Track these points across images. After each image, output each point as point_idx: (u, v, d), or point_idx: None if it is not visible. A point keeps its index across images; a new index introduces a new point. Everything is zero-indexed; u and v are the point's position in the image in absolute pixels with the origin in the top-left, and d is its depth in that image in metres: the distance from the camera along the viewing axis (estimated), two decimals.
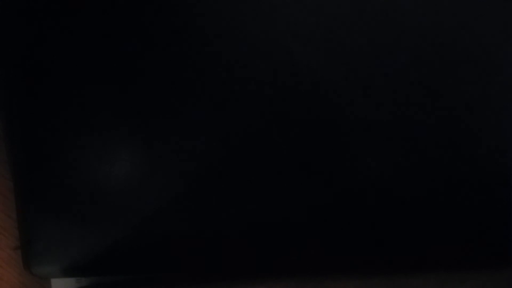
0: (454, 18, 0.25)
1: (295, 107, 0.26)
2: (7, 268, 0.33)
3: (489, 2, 0.25)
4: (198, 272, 0.30)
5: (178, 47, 0.26)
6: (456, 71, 0.25)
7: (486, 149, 0.26)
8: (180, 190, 0.27)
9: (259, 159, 0.27)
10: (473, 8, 0.25)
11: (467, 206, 0.26)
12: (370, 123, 0.26)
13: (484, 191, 0.26)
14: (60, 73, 0.27)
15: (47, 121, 0.27)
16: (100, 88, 0.27)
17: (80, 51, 0.27)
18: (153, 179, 0.27)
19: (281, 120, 0.26)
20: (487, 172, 0.26)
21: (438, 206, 0.26)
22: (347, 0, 0.25)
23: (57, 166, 0.27)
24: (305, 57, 0.26)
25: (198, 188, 0.27)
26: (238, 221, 0.27)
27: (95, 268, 0.29)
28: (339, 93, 0.26)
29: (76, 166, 0.27)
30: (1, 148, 0.31)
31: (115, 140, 0.27)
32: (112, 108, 0.27)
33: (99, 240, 0.28)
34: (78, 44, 0.26)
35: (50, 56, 0.27)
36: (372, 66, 0.26)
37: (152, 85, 0.26)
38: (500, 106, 0.25)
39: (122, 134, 0.27)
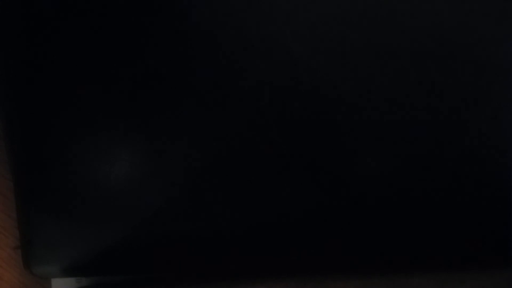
0: (455, 18, 0.25)
1: (296, 107, 0.26)
2: (7, 268, 0.33)
3: (489, 2, 0.25)
4: (198, 272, 0.30)
5: (178, 47, 0.26)
6: (457, 71, 0.25)
7: (486, 149, 0.26)
8: (180, 190, 0.27)
9: (259, 159, 0.27)
10: (473, 8, 0.25)
11: (467, 206, 0.26)
12: (370, 123, 0.26)
13: (484, 191, 0.26)
14: (60, 73, 0.27)
15: (47, 121, 0.27)
16: (100, 88, 0.27)
17: (80, 51, 0.26)
18: (153, 179, 0.27)
19: (281, 120, 0.26)
20: (487, 172, 0.26)
21: (438, 206, 0.26)
22: (347, 0, 0.25)
23: (57, 166, 0.27)
24: (306, 56, 0.26)
25: (198, 188, 0.27)
26: (238, 221, 0.27)
27: (95, 268, 0.29)
28: (339, 93, 0.26)
29: (76, 166, 0.27)
30: (1, 148, 0.31)
31: (115, 140, 0.27)
32: (112, 108, 0.27)
33: (99, 240, 0.28)
34: (78, 44, 0.26)
35: (50, 56, 0.27)
36: (372, 66, 0.26)
37: (152, 85, 0.26)
38: (501, 106, 0.25)
39: (122, 134, 0.27)
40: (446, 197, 0.26)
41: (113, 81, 0.27)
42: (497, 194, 0.26)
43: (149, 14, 0.26)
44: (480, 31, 0.25)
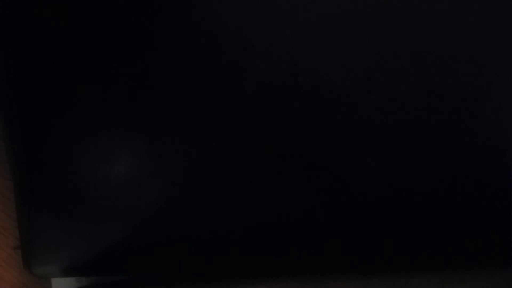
0: (455, 18, 0.25)
1: (296, 107, 0.26)
2: (7, 268, 0.33)
3: (489, 2, 0.25)
4: (198, 272, 0.30)
5: (177, 46, 0.26)
6: (457, 71, 0.25)
7: (486, 149, 0.26)
8: (180, 190, 0.27)
9: (259, 159, 0.27)
10: (473, 8, 0.25)
11: (467, 206, 0.26)
12: (370, 123, 0.26)
13: (484, 191, 0.26)
14: (60, 73, 0.27)
15: (47, 121, 0.27)
16: (101, 88, 0.27)
17: (80, 51, 0.26)
18: (153, 179, 0.27)
19: (281, 120, 0.26)
20: (487, 172, 0.26)
21: (438, 206, 0.26)
22: (347, 0, 0.25)
23: (57, 166, 0.27)
24: (306, 56, 0.26)
25: (198, 188, 0.27)
26: (238, 221, 0.27)
27: (95, 268, 0.29)
28: (339, 93, 0.26)
29: (76, 166, 0.27)
30: (1, 148, 0.31)
31: (115, 140, 0.27)
32: (112, 108, 0.27)
33: (99, 240, 0.28)
34: (78, 44, 0.26)
35: (50, 56, 0.27)
36: (372, 66, 0.26)
37: (152, 85, 0.26)
38: (501, 106, 0.25)
39: (122, 135, 0.27)
40: (446, 197, 0.26)
41: (113, 81, 0.27)
42: (497, 194, 0.26)
43: (149, 14, 0.26)
44: (480, 31, 0.25)
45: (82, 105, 0.27)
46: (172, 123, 0.27)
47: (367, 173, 0.26)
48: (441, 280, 0.27)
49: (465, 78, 0.25)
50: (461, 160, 0.26)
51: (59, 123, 0.27)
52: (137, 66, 0.26)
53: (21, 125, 0.27)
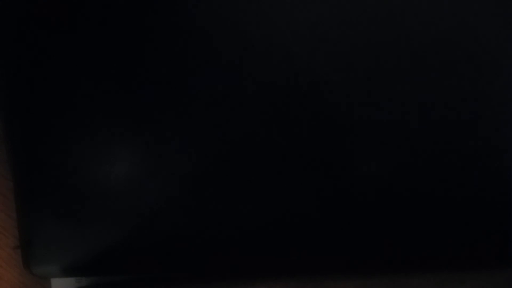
0: (455, 18, 0.25)
1: (296, 107, 0.26)
2: (7, 268, 0.33)
3: (489, 2, 0.25)
4: (198, 272, 0.30)
5: (177, 46, 0.26)
6: (457, 71, 0.25)
7: (486, 149, 0.26)
8: (180, 190, 0.27)
9: (259, 159, 0.27)
10: (474, 8, 0.25)
11: (467, 206, 0.26)
12: (369, 123, 0.26)
13: (484, 191, 0.26)
14: (60, 73, 0.27)
15: (47, 121, 0.27)
16: (101, 88, 0.27)
17: (80, 51, 0.26)
18: (153, 179, 0.27)
19: (280, 120, 0.26)
20: (487, 172, 0.26)
21: (438, 206, 0.26)
22: (348, 0, 0.25)
23: (57, 166, 0.27)
24: (306, 56, 0.26)
25: (198, 188, 0.27)
26: (239, 221, 0.27)
27: (95, 268, 0.29)
28: (339, 93, 0.26)
29: (76, 166, 0.27)
30: (1, 148, 0.31)
31: (115, 140, 0.27)
32: (112, 109, 0.27)
33: (99, 240, 0.28)
34: (79, 44, 0.26)
35: (50, 56, 0.27)
36: (372, 66, 0.26)
37: (152, 86, 0.26)
38: (501, 106, 0.25)
39: (122, 134, 0.27)
40: (446, 197, 0.26)
41: (113, 81, 0.27)
42: (497, 194, 0.26)
43: (150, 14, 0.26)
44: (480, 31, 0.25)
45: (82, 105, 0.27)
46: (172, 123, 0.27)
47: (367, 173, 0.26)
48: (441, 280, 0.27)
49: (465, 78, 0.25)
50: (461, 160, 0.26)
51: (59, 123, 0.27)
52: (137, 66, 0.26)
53: (21, 125, 0.27)
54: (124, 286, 0.31)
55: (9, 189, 0.32)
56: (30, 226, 0.28)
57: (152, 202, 0.27)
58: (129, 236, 0.28)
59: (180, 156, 0.27)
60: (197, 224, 0.27)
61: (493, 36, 0.25)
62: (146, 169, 0.27)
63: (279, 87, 0.26)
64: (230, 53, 0.26)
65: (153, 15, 0.26)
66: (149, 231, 0.28)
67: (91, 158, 0.27)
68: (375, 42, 0.25)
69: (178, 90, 0.26)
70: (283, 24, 0.26)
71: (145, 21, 0.26)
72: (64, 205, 0.28)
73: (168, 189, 0.27)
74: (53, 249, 0.28)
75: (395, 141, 0.26)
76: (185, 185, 0.27)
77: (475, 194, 0.26)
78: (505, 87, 0.25)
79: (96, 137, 0.27)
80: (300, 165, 0.26)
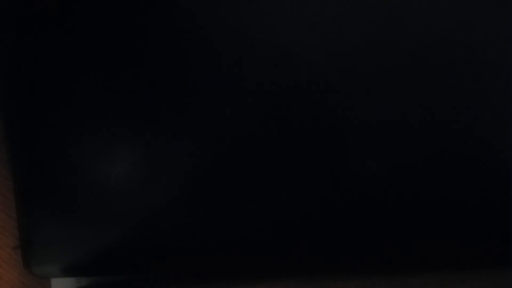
0: (455, 18, 0.25)
1: (296, 108, 0.26)
2: (7, 268, 0.33)
3: (489, 2, 0.25)
4: (198, 272, 0.30)
5: (177, 46, 0.26)
6: (457, 71, 0.25)
7: (486, 149, 0.26)
8: (180, 190, 0.27)
9: (260, 159, 0.27)
10: (474, 8, 0.25)
11: (467, 206, 0.26)
12: (369, 124, 0.26)
13: (484, 191, 0.26)
14: (60, 73, 0.27)
15: (47, 121, 0.27)
16: (101, 88, 0.27)
17: (80, 51, 0.26)
18: (153, 179, 0.27)
19: (281, 120, 0.26)
20: (487, 172, 0.26)
21: (438, 206, 0.26)
22: (348, 0, 0.25)
23: (57, 166, 0.27)
24: (306, 57, 0.26)
25: (198, 189, 0.27)
26: (238, 221, 0.27)
27: (95, 268, 0.29)
28: (340, 93, 0.26)
29: (76, 166, 0.27)
30: (1, 148, 0.31)
31: (115, 140, 0.27)
32: (112, 109, 0.27)
33: (99, 240, 0.28)
34: (79, 44, 0.26)
35: (50, 56, 0.27)
36: (373, 66, 0.26)
37: (152, 86, 0.26)
38: (501, 106, 0.25)
39: (122, 135, 0.27)
40: (446, 197, 0.26)
41: (114, 81, 0.27)
42: (497, 194, 0.26)
43: (151, 15, 0.26)
44: (480, 31, 0.25)
45: (82, 105, 0.27)
46: (172, 123, 0.27)
47: (368, 173, 0.26)
48: (441, 280, 0.27)
49: (466, 79, 0.25)
50: (461, 160, 0.26)
51: (59, 123, 0.27)
52: (137, 66, 0.26)
53: (21, 125, 0.27)
54: (124, 286, 0.31)
55: (9, 189, 0.32)
56: (30, 226, 0.28)
57: (152, 202, 0.27)
58: (129, 236, 0.28)
59: (181, 156, 0.27)
60: (197, 224, 0.27)
61: (493, 36, 0.25)
62: (146, 169, 0.27)
63: (279, 87, 0.26)
64: (230, 54, 0.26)
65: (153, 14, 0.26)
66: (149, 231, 0.28)
67: (91, 158, 0.27)
68: (375, 42, 0.25)
69: (178, 91, 0.26)
70: (283, 24, 0.26)
71: (145, 20, 0.26)
72: (64, 205, 0.28)
73: (168, 189, 0.27)
74: (53, 249, 0.28)
75: (395, 141, 0.26)
76: (185, 185, 0.27)
77: (475, 194, 0.26)
78: (505, 87, 0.25)
79: (96, 137, 0.27)
80: (301, 166, 0.26)
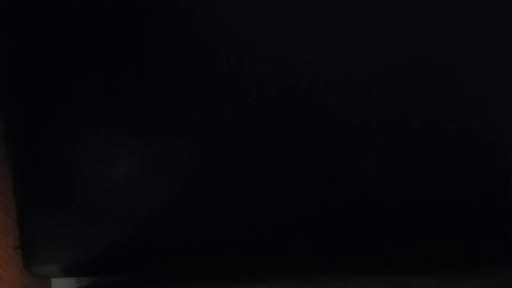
0: (455, 18, 0.25)
1: (297, 108, 0.26)
2: (7, 268, 0.33)
3: (489, 2, 0.25)
4: (198, 272, 0.30)
5: (177, 46, 0.26)
6: (457, 71, 0.25)
7: (486, 149, 0.26)
8: (180, 190, 0.27)
9: (259, 159, 0.27)
10: (474, 8, 0.25)
11: (467, 206, 0.26)
12: (369, 124, 0.26)
13: (484, 191, 0.26)
14: (60, 73, 0.27)
15: (47, 121, 0.27)
16: (101, 88, 0.27)
17: (80, 51, 0.26)
18: (153, 179, 0.27)
19: (280, 121, 0.26)
20: (487, 172, 0.26)
21: (438, 206, 0.26)
22: (347, 0, 0.25)
23: (57, 166, 0.27)
24: (307, 57, 0.26)
25: (198, 189, 0.27)
26: (239, 221, 0.27)
27: (95, 268, 0.29)
28: (339, 93, 0.26)
29: (76, 166, 0.27)
30: (1, 148, 0.31)
31: (115, 140, 0.27)
32: (112, 108, 0.27)
33: (99, 240, 0.28)
34: (79, 44, 0.26)
35: (50, 56, 0.27)
36: (372, 66, 0.26)
37: (152, 86, 0.26)
38: (501, 106, 0.25)
39: (122, 135, 0.27)
40: (446, 197, 0.26)
41: (114, 81, 0.27)
42: (497, 194, 0.26)
43: (150, 15, 0.26)
44: (480, 31, 0.25)
45: (82, 105, 0.27)
46: (172, 123, 0.27)
47: (368, 173, 0.26)
48: (441, 280, 0.27)
49: (466, 79, 0.25)
50: (461, 160, 0.26)
51: (59, 123, 0.27)
52: (137, 66, 0.26)
53: (21, 125, 0.27)
54: (124, 286, 0.31)
55: (9, 189, 0.32)
56: (30, 226, 0.28)
57: (152, 202, 0.27)
58: (129, 236, 0.28)
59: (181, 156, 0.27)
60: (197, 224, 0.27)
61: (493, 36, 0.25)
62: (146, 169, 0.27)
63: (280, 87, 0.26)
64: (230, 54, 0.26)
65: (154, 14, 0.26)
66: (149, 231, 0.28)
67: (91, 158, 0.27)
68: (375, 42, 0.25)
69: (178, 91, 0.26)
70: (284, 24, 0.26)
71: (146, 21, 0.26)
72: (64, 205, 0.28)
73: (168, 189, 0.27)
74: (53, 249, 0.28)
75: (395, 141, 0.26)
76: (185, 185, 0.27)
77: (475, 194, 0.26)
78: (505, 87, 0.25)
79: (96, 137, 0.27)
80: (301, 166, 0.26)
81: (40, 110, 0.27)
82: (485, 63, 0.25)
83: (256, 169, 0.27)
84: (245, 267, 0.29)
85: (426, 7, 0.25)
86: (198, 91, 0.26)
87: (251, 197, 0.27)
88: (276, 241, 0.27)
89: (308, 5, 0.25)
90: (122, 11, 0.26)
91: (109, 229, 0.28)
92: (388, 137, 0.26)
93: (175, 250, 0.28)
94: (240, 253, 0.28)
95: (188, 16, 0.26)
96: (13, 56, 0.27)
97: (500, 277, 0.27)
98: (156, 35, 0.26)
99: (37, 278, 0.32)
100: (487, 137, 0.26)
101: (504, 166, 0.26)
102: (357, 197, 0.26)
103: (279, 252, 0.28)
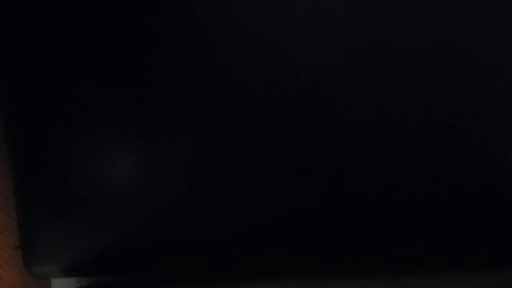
0: (455, 18, 0.25)
1: (297, 108, 0.26)
2: (7, 268, 0.33)
3: (489, 2, 0.25)
4: (198, 272, 0.30)
5: (177, 47, 0.26)
6: (457, 71, 0.25)
7: (486, 149, 0.26)
8: (179, 190, 0.27)
9: (259, 160, 0.27)
10: (474, 8, 0.25)
11: (467, 206, 0.26)
12: (369, 124, 0.26)
13: (484, 191, 0.26)
14: (60, 73, 0.27)
15: (47, 121, 0.27)
16: (101, 88, 0.27)
17: (80, 51, 0.26)
18: (153, 179, 0.27)
19: (280, 120, 0.26)
20: (487, 172, 0.26)
21: (438, 206, 0.26)
22: (347, 0, 0.25)
23: (57, 166, 0.27)
24: (307, 57, 0.26)
25: (198, 189, 0.27)
26: (239, 221, 0.27)
27: (95, 268, 0.29)
28: (339, 94, 0.26)
29: (76, 166, 0.27)
30: (1, 148, 0.31)
31: (115, 140, 0.27)
32: (112, 109, 0.27)
33: (99, 240, 0.28)
34: (79, 45, 0.26)
35: (50, 56, 0.27)
36: (372, 67, 0.26)
37: (152, 86, 0.26)
38: (500, 106, 0.25)
39: (122, 135, 0.27)
40: (446, 197, 0.26)
41: (114, 81, 0.27)
42: (497, 194, 0.26)
43: (151, 15, 0.26)
44: (480, 31, 0.25)
45: (82, 105, 0.27)
46: (172, 123, 0.27)
47: (368, 173, 0.26)
48: (441, 280, 0.27)
49: (466, 79, 0.25)
50: (461, 160, 0.26)
51: (59, 123, 0.27)
52: (137, 67, 0.26)
53: (21, 125, 0.27)
54: (124, 286, 0.31)
55: (9, 189, 0.32)
56: (30, 226, 0.28)
57: (152, 202, 0.27)
58: (129, 236, 0.28)
59: (180, 157, 0.27)
60: (197, 224, 0.27)
61: (493, 36, 0.25)
62: (146, 169, 0.27)
63: (279, 88, 0.26)
64: (230, 54, 0.26)
65: (154, 15, 0.26)
66: (149, 231, 0.28)
67: (91, 158, 0.27)
68: (375, 42, 0.25)
69: (178, 91, 0.26)
70: (284, 24, 0.26)
71: (146, 21, 0.26)
72: (64, 205, 0.28)
73: (168, 189, 0.27)
74: (53, 249, 0.28)
75: (395, 141, 0.26)
76: (185, 185, 0.27)
77: (475, 194, 0.26)
78: (505, 87, 0.25)
79: (96, 137, 0.27)
80: (301, 166, 0.26)
81: (40, 110, 0.27)
82: (485, 63, 0.25)
83: (256, 169, 0.27)
84: (245, 267, 0.29)
85: (426, 7, 0.25)
86: (198, 91, 0.26)
87: (251, 197, 0.27)
88: (276, 241, 0.27)
89: (308, 5, 0.25)
90: (123, 11, 0.26)
91: (109, 229, 0.28)
92: (388, 137, 0.26)
93: (175, 250, 0.28)
94: (240, 253, 0.28)
95: (188, 16, 0.26)
96: (13, 56, 0.27)
97: (500, 277, 0.27)
98: (157, 35, 0.26)
99: (37, 278, 0.32)
100: (487, 137, 0.26)
101: (504, 166, 0.26)
102: (357, 197, 0.26)
103: (279, 252, 0.28)
